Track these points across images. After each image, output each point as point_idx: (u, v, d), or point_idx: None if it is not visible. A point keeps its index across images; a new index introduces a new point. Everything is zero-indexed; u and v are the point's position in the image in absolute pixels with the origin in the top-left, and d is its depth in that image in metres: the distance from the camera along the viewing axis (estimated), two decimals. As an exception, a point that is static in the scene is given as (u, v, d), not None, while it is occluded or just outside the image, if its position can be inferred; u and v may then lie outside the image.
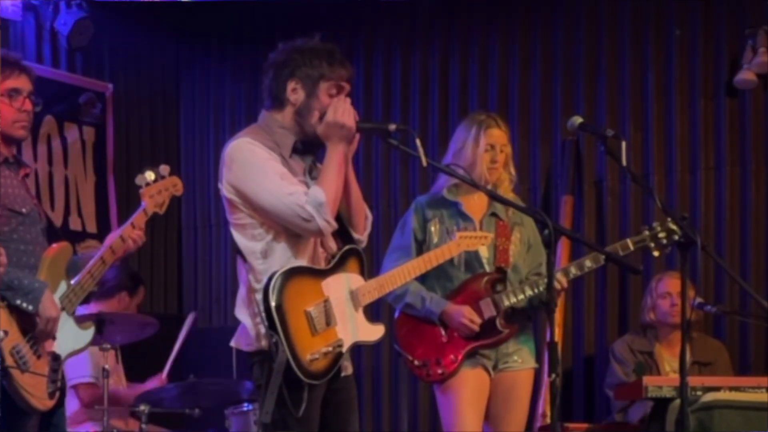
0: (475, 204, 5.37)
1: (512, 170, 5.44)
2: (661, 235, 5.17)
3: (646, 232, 5.20)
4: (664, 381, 5.60)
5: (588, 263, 5.25)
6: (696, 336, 6.32)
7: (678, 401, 5.31)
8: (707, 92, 6.98)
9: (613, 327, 7.08)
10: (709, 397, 5.46)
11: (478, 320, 5.20)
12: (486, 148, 5.31)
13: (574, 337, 7.18)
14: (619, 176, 7.11)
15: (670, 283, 6.32)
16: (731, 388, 5.54)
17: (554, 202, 7.26)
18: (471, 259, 5.26)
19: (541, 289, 5.18)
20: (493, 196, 4.87)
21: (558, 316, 6.84)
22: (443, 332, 5.26)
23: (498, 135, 5.37)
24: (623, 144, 4.19)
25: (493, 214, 5.36)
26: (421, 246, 5.32)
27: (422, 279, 5.23)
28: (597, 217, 7.21)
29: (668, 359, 6.30)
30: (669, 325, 6.33)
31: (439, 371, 5.24)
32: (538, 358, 5.49)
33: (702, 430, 5.37)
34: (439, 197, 5.39)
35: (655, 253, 5.23)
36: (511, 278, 5.31)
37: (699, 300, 5.86)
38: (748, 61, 6.77)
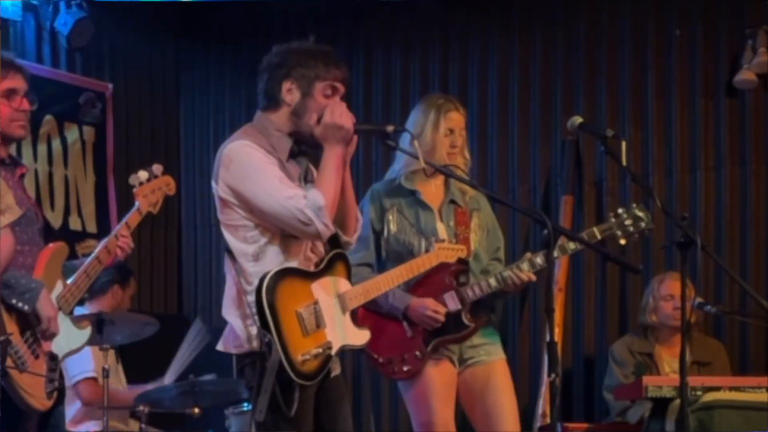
0: (433, 192, 5.28)
1: (466, 154, 5.32)
2: (628, 222, 5.13)
3: (612, 220, 5.16)
4: (664, 381, 5.59)
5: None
6: (695, 336, 6.32)
7: (678, 401, 5.31)
8: (707, 92, 6.98)
9: (613, 327, 7.07)
10: (709, 397, 5.45)
11: (443, 311, 5.10)
12: (446, 133, 5.21)
13: (574, 337, 7.18)
14: (619, 176, 7.11)
15: (673, 285, 6.30)
16: (731, 388, 5.53)
17: (554, 202, 7.25)
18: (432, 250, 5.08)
19: (507, 281, 5.10)
20: (491, 196, 4.85)
21: (558, 316, 6.84)
22: (407, 328, 5.16)
23: (457, 119, 5.26)
24: (623, 144, 4.19)
25: (452, 202, 5.28)
26: (379, 236, 5.23)
27: (383, 270, 5.01)
28: (597, 217, 7.19)
29: (668, 360, 6.29)
30: (671, 327, 6.32)
31: (405, 368, 5.15)
32: (505, 350, 5.36)
33: (702, 430, 5.36)
34: (396, 185, 5.27)
35: (622, 242, 5.17)
36: (473, 267, 5.22)
37: (699, 300, 5.86)
38: (748, 61, 6.77)
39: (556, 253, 5.09)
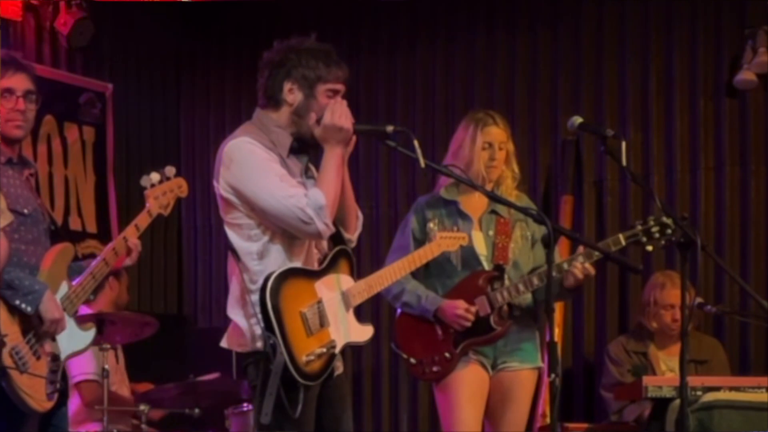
0: (475, 202, 5.36)
1: (515, 167, 5.42)
2: (654, 229, 5.14)
3: (639, 227, 5.17)
4: (664, 381, 5.60)
5: (580, 258, 5.20)
6: (692, 334, 6.29)
7: (678, 401, 5.31)
8: (707, 92, 6.98)
9: (613, 327, 7.07)
10: (709, 397, 5.45)
11: (474, 310, 5.17)
12: (483, 147, 5.30)
13: (574, 337, 7.18)
14: (619, 176, 7.11)
15: (675, 294, 6.22)
16: (731, 388, 5.53)
17: (554, 202, 7.26)
18: (469, 257, 5.24)
19: (534, 284, 5.17)
20: (491, 196, 4.86)
21: (558, 316, 6.84)
22: (439, 330, 5.25)
23: (496, 133, 5.35)
24: (623, 144, 4.18)
25: (493, 212, 5.35)
26: (421, 245, 5.27)
27: (423, 277, 5.26)
28: (597, 217, 7.20)
29: (663, 358, 6.29)
30: (669, 336, 6.30)
31: (435, 369, 5.24)
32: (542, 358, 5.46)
33: (702, 430, 5.37)
34: (438, 197, 5.39)
35: (649, 248, 5.19)
36: (512, 275, 5.28)
37: (699, 300, 5.85)
38: (748, 61, 6.78)
39: (566, 266, 5.18)
